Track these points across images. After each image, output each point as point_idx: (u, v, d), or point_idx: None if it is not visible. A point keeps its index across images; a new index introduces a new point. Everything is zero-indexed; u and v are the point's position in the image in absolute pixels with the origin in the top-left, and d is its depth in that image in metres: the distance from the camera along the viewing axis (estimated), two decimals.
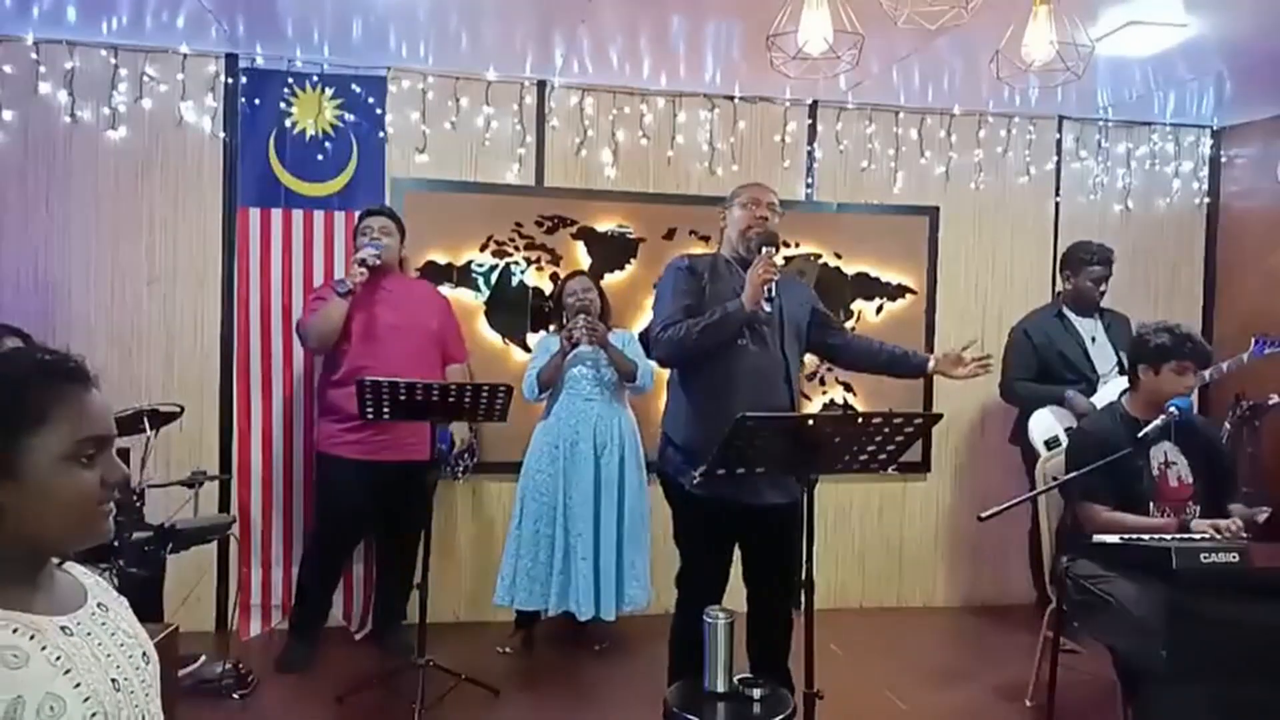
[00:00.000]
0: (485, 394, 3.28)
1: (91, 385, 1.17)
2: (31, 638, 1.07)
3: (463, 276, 4.27)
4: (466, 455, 3.97)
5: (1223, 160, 4.95)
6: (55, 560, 1.20)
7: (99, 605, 1.22)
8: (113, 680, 1.14)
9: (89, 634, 1.16)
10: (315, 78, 4.10)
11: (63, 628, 1.12)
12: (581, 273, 4.11)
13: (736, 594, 2.98)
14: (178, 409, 3.60)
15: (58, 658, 1.08)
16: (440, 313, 3.94)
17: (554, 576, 3.80)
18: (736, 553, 3.02)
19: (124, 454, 2.92)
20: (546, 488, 3.85)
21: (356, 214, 3.98)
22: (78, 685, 1.08)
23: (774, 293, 2.77)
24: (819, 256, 4.58)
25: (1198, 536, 2.76)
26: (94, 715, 1.08)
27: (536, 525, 3.84)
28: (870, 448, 2.36)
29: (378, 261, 3.66)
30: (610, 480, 3.85)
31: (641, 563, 3.93)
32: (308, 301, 3.85)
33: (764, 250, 2.82)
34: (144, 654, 1.23)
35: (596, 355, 3.89)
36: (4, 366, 1.15)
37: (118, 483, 1.16)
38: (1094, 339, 4.17)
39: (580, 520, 3.80)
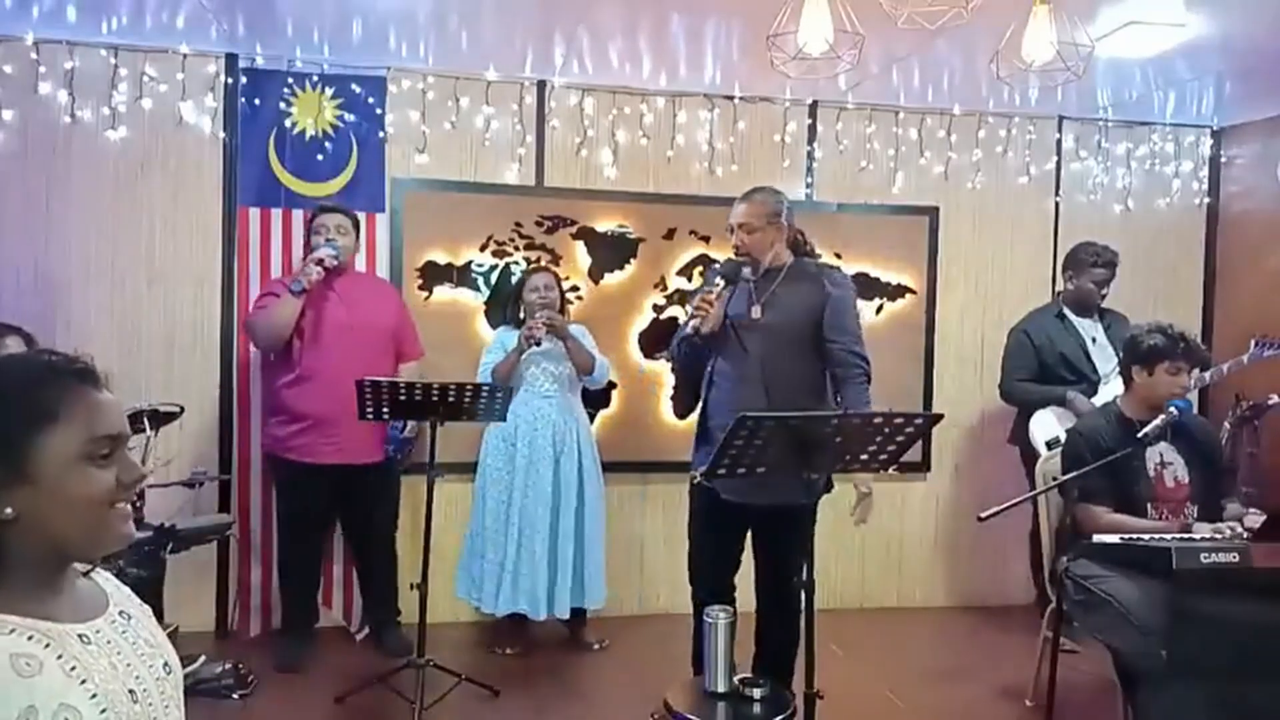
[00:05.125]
0: (485, 394, 3.29)
1: (102, 385, 1.15)
2: (47, 645, 1.05)
3: (463, 276, 4.27)
4: (407, 446, 3.93)
5: (1223, 160, 4.94)
6: (80, 568, 1.18)
7: (120, 613, 1.20)
8: (130, 691, 1.11)
9: (109, 642, 1.14)
10: (315, 78, 4.10)
11: (80, 635, 1.10)
12: (544, 269, 4.07)
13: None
14: (178, 409, 3.60)
15: (73, 668, 1.06)
16: (394, 310, 3.90)
17: (503, 576, 3.78)
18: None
19: None
20: (503, 486, 3.83)
21: (357, 214, 3.96)
22: (94, 696, 1.06)
23: (695, 330, 2.89)
24: (819, 256, 4.57)
25: (1198, 537, 2.76)
26: None
27: (494, 524, 3.82)
28: (871, 447, 2.36)
29: (335, 263, 3.64)
30: (569, 480, 3.84)
31: (599, 562, 3.94)
32: (258, 297, 3.81)
33: (716, 282, 2.96)
34: (165, 664, 1.21)
35: (555, 352, 3.87)
36: (12, 370, 1.14)
37: (135, 482, 1.14)
38: (1094, 339, 4.17)
39: (537, 520, 3.77)
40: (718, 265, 3.12)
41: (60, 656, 1.05)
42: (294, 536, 3.85)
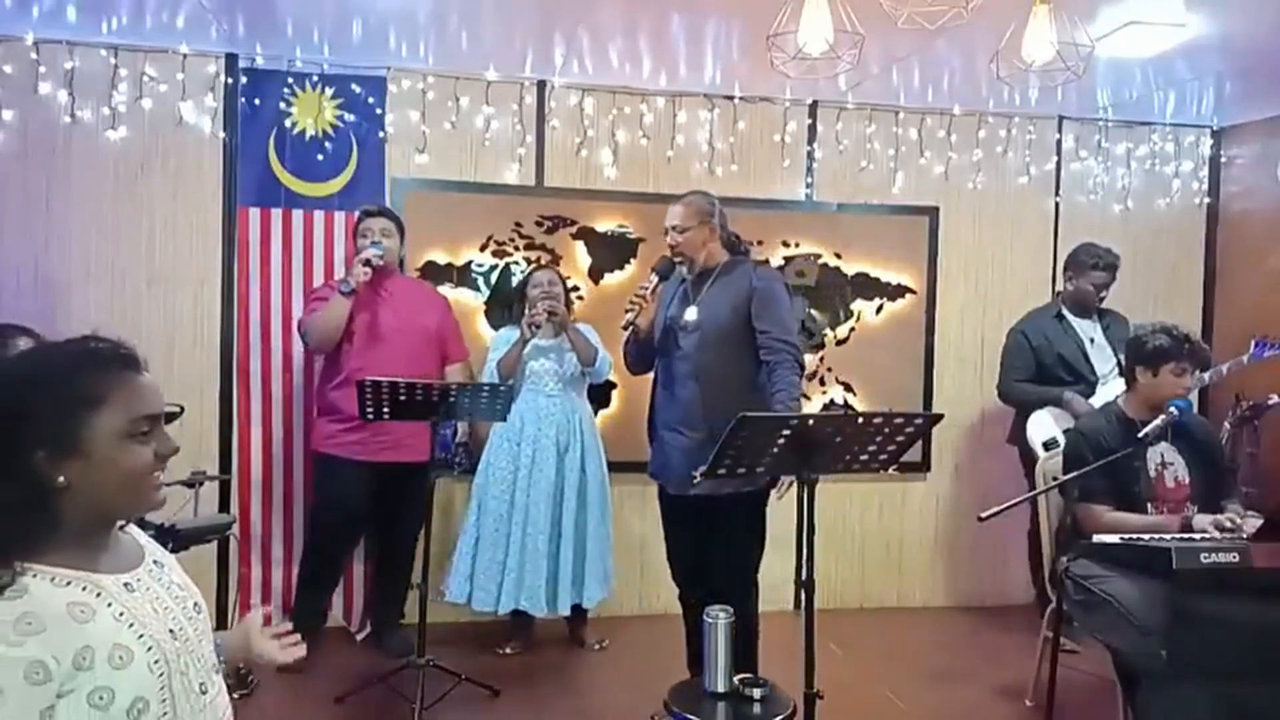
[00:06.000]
0: (485, 394, 3.29)
1: (142, 369, 1.31)
2: (99, 595, 1.22)
3: (463, 276, 4.27)
4: (463, 451, 3.95)
5: (1223, 160, 4.94)
6: (119, 524, 1.35)
7: (155, 562, 1.38)
8: (170, 630, 1.28)
9: (148, 589, 1.31)
10: (315, 78, 4.10)
11: (126, 584, 1.27)
12: (547, 266, 4.09)
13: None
14: (178, 409, 3.59)
15: (122, 613, 1.23)
16: (439, 313, 3.95)
17: (506, 575, 3.78)
18: None
19: None
20: (506, 485, 3.82)
21: (356, 214, 3.98)
22: (141, 636, 1.23)
23: (627, 324, 3.09)
24: (819, 256, 4.58)
25: (1198, 536, 2.76)
26: (156, 662, 1.23)
27: (495, 524, 3.82)
28: (870, 448, 2.36)
29: (381, 262, 3.67)
30: (573, 479, 3.84)
31: (602, 558, 3.93)
32: (309, 300, 3.86)
33: (651, 276, 3.13)
34: (195, 604, 1.39)
35: (559, 348, 3.88)
36: (62, 358, 1.28)
37: (169, 454, 1.32)
38: (1093, 340, 4.16)
39: (540, 518, 3.78)
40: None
41: (111, 605, 1.22)
42: (328, 535, 3.85)
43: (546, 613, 3.82)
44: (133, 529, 1.40)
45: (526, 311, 3.87)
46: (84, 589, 1.21)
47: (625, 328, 3.13)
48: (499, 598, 3.79)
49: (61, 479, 1.21)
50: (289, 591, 4.04)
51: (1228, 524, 2.79)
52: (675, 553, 3.26)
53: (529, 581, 3.76)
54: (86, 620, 1.17)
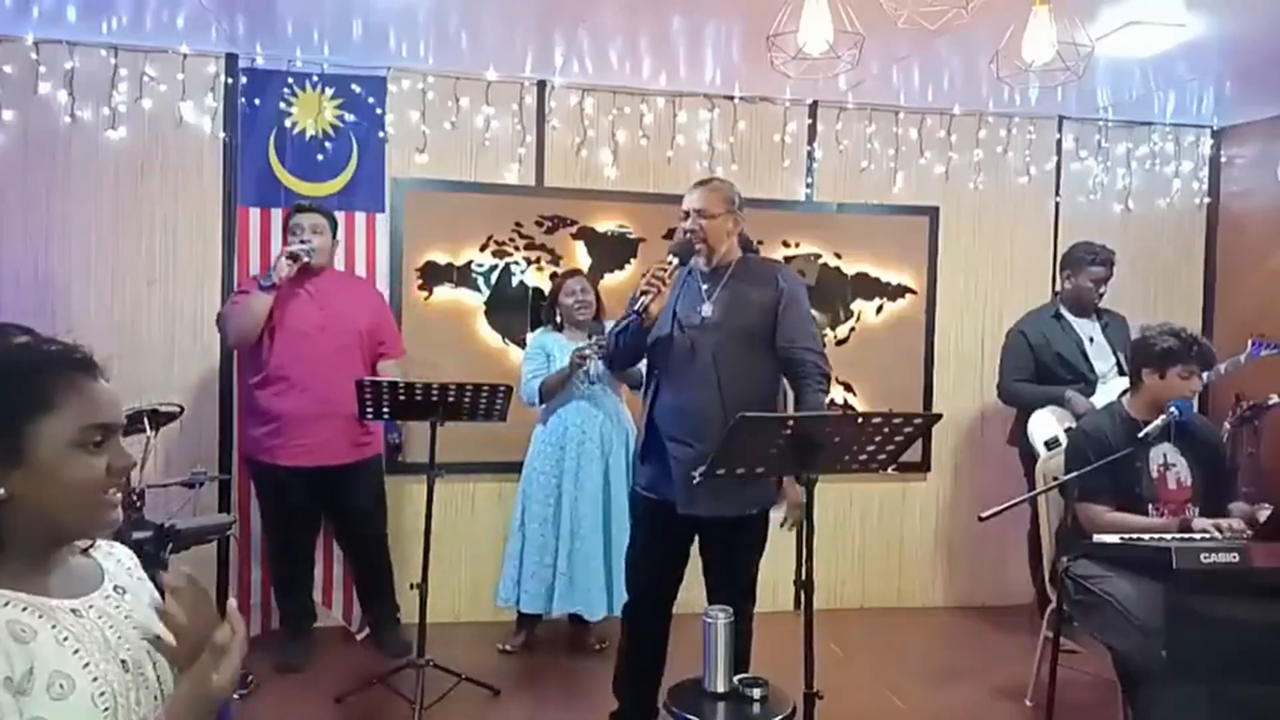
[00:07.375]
0: (485, 394, 3.28)
1: (99, 375, 1.18)
2: (40, 616, 1.11)
3: (463, 276, 4.27)
4: (395, 454, 3.84)
5: (1223, 160, 4.94)
6: (80, 545, 1.23)
7: (115, 589, 1.25)
8: (122, 661, 1.16)
9: (101, 616, 1.18)
10: (315, 78, 4.10)
11: (73, 610, 1.16)
12: (577, 271, 4.08)
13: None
14: (178, 409, 3.60)
15: (65, 638, 1.11)
16: (371, 310, 3.86)
17: (557, 578, 3.78)
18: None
19: None
20: (550, 489, 3.82)
21: (357, 214, 3.98)
22: (86, 665, 1.11)
23: (643, 307, 2.74)
24: (819, 256, 4.58)
25: (1198, 536, 2.76)
26: (102, 694, 1.11)
27: (541, 528, 3.81)
28: (870, 448, 2.35)
29: (308, 258, 3.62)
30: (619, 479, 3.84)
31: None
32: (232, 295, 3.82)
33: (669, 259, 2.83)
34: (156, 636, 1.23)
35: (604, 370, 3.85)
36: (12, 357, 1.16)
37: (124, 469, 1.18)
38: (1091, 339, 4.16)
39: (587, 521, 3.77)
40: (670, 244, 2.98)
41: (54, 627, 1.11)
42: (279, 539, 3.85)
43: (604, 615, 3.82)
44: (99, 553, 1.27)
45: (559, 319, 3.89)
46: (25, 610, 1.10)
47: (638, 311, 2.76)
48: (550, 600, 3.78)
49: (2, 490, 1.09)
50: None
51: (1226, 528, 2.79)
52: (651, 563, 3.01)
53: (581, 586, 3.75)
54: (28, 640, 1.07)
